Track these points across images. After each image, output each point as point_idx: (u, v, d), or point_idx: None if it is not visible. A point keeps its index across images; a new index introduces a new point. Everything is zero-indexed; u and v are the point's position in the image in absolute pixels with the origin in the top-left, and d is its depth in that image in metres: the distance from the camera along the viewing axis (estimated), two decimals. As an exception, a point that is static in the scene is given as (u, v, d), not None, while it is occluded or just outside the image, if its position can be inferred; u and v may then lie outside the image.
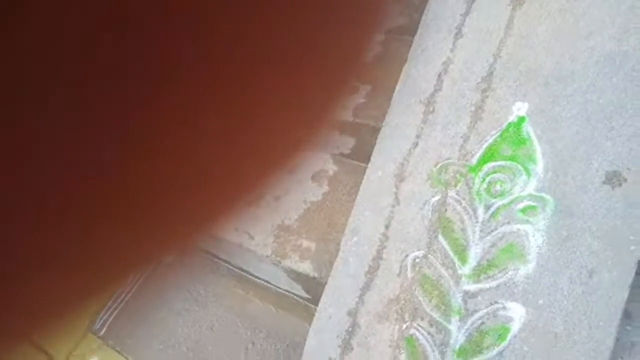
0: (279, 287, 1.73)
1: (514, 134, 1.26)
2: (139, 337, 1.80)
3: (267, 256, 1.58)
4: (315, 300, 1.42)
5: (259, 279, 1.78)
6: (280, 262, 1.56)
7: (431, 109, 1.39)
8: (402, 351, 1.24)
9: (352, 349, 1.30)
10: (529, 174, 1.21)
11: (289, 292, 1.70)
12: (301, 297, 1.68)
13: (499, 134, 1.28)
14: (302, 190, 1.66)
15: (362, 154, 1.56)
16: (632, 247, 1.06)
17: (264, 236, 1.62)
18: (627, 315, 1.10)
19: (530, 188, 1.20)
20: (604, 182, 1.12)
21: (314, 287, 1.54)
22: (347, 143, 1.65)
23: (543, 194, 1.18)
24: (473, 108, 1.33)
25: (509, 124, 1.27)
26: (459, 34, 1.43)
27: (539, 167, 1.20)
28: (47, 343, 1.88)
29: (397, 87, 1.47)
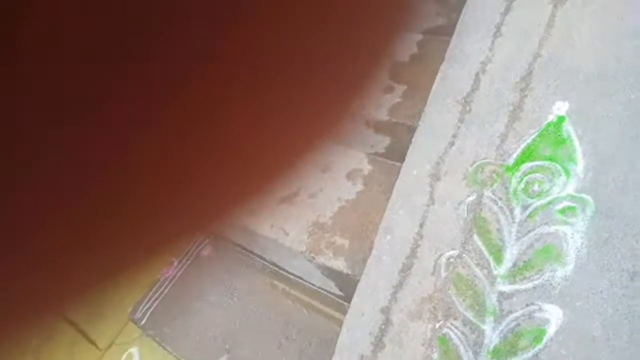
0: (312, 284, 1.75)
1: (553, 133, 1.24)
2: (177, 327, 1.86)
3: (302, 252, 1.61)
4: (348, 298, 1.44)
5: (293, 275, 1.81)
6: (314, 259, 1.59)
7: (468, 108, 1.39)
8: (435, 350, 1.24)
9: (384, 346, 1.31)
10: (568, 174, 1.19)
11: (322, 288, 1.73)
12: (334, 294, 1.70)
13: (537, 133, 1.26)
14: (336, 188, 1.68)
15: (397, 153, 1.57)
16: (678, 251, 1.03)
17: (298, 233, 1.65)
18: (671, 321, 1.06)
19: (570, 189, 1.18)
20: (648, 184, 1.09)
21: (347, 285, 1.56)
22: (382, 142, 1.66)
23: (583, 195, 1.16)
24: (511, 107, 1.32)
25: (549, 123, 1.25)
26: (498, 32, 1.42)
27: (579, 167, 1.18)
28: (91, 330, 1.97)
29: (434, 87, 1.47)
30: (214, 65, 0.22)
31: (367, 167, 1.70)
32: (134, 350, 1.92)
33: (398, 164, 1.50)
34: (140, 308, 1.95)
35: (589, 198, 1.16)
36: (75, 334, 1.95)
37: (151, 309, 1.94)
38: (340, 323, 1.41)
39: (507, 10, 1.42)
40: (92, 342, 1.96)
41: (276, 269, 1.86)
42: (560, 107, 1.25)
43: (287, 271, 1.83)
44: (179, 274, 2.00)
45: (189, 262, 2.02)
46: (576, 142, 1.21)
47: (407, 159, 1.44)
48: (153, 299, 1.97)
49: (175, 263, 2.04)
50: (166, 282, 1.99)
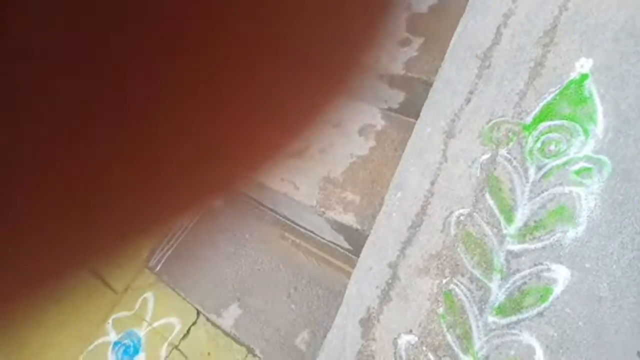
0: (322, 237, 1.78)
1: (574, 91, 1.20)
2: (190, 275, 1.92)
3: (312, 207, 1.62)
4: (357, 252, 1.46)
5: (303, 228, 1.83)
6: (324, 213, 1.60)
7: (487, 63, 1.34)
8: (440, 305, 1.27)
9: (390, 299, 1.34)
10: (587, 134, 1.16)
11: (332, 242, 1.75)
12: (343, 248, 1.73)
13: (558, 91, 1.22)
14: (348, 143, 1.67)
15: (412, 109, 1.53)
16: (694, 215, 1.01)
17: (309, 187, 1.65)
18: (679, 284, 1.06)
19: (588, 149, 1.16)
20: (669, 146, 1.06)
21: (356, 239, 1.58)
22: (397, 97, 1.62)
23: (601, 156, 1.14)
24: (532, 64, 1.27)
25: (571, 81, 1.21)
26: (523, -17, 1.34)
27: (599, 127, 1.15)
28: (108, 275, 2.05)
29: (453, 40, 1.41)
30: (218, 23, 0.21)
31: (380, 123, 1.67)
32: (149, 295, 2.00)
33: (412, 120, 1.48)
34: (155, 255, 2.01)
35: (606, 159, 1.13)
36: (93, 278, 2.03)
37: (165, 257, 2.00)
38: (348, 275, 1.44)
39: (535, -42, 1.34)
40: (110, 286, 2.04)
41: (287, 221, 1.89)
42: (584, 64, 1.20)
43: (297, 224, 1.85)
44: (191, 224, 2.04)
45: (200, 213, 2.06)
46: (597, 101, 1.17)
47: (421, 115, 1.41)
48: (167, 247, 2.03)
49: (187, 213, 2.08)
50: (179, 232, 2.04)
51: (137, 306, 1.99)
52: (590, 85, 1.19)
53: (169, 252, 2.01)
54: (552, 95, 1.23)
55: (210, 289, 1.85)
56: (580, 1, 1.25)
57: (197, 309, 1.86)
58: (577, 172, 1.16)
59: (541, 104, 1.23)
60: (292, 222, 1.87)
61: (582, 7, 1.24)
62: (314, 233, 1.80)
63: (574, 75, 1.21)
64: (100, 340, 1.95)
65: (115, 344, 1.93)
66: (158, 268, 1.98)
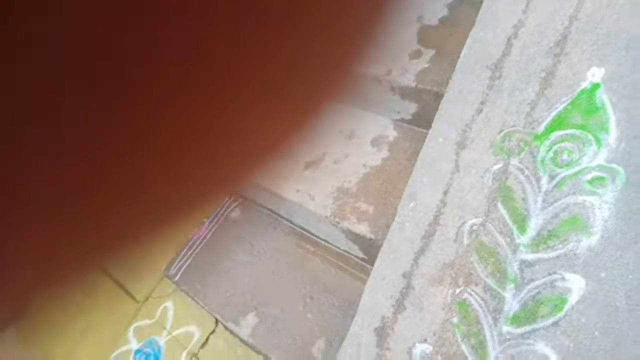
0: (337, 247, 1.80)
1: (586, 101, 1.20)
2: (208, 284, 1.96)
3: (327, 217, 1.64)
4: (372, 261, 1.48)
5: (318, 237, 1.85)
6: (338, 223, 1.62)
7: (498, 74, 1.35)
8: (454, 314, 1.27)
9: (405, 308, 1.35)
10: (599, 143, 1.16)
11: (347, 252, 1.77)
12: (358, 257, 1.74)
13: (569, 101, 1.22)
14: (361, 154, 1.69)
15: (424, 120, 1.55)
16: None
17: (323, 198, 1.68)
18: (697, 294, 1.05)
19: (601, 159, 1.16)
20: (683, 155, 1.05)
21: (371, 249, 1.60)
22: (409, 108, 1.64)
23: (614, 165, 1.13)
24: (543, 74, 1.28)
25: (582, 90, 1.21)
26: (533, -6, 1.35)
27: (612, 136, 1.15)
28: (130, 285, 2.10)
29: (463, 52, 1.43)
30: (227, 26, 0.23)
31: (392, 134, 1.69)
32: (169, 304, 2.04)
33: (424, 130, 1.49)
34: (174, 265, 2.06)
35: (619, 168, 1.13)
36: (116, 287, 2.09)
37: (184, 266, 2.04)
38: (364, 284, 1.46)
39: (545, -31, 1.35)
40: (131, 296, 2.09)
41: (302, 232, 1.91)
42: (596, 74, 1.20)
43: (312, 234, 1.88)
44: (209, 234, 2.09)
45: (218, 223, 2.10)
46: (610, 110, 1.17)
47: (433, 126, 1.43)
48: (186, 257, 2.07)
49: (206, 224, 2.13)
50: (198, 242, 2.08)
51: (157, 315, 2.03)
52: (602, 95, 1.19)
53: (188, 261, 2.05)
54: (563, 105, 1.23)
55: (228, 298, 1.88)
56: (591, 11, 1.25)
57: (215, 318, 1.89)
58: (591, 182, 1.16)
59: (553, 114, 1.24)
60: (308, 231, 1.89)
61: (593, 17, 1.25)
62: (329, 242, 1.82)
63: (585, 84, 1.21)
64: (122, 349, 1.99)
65: (137, 352, 1.97)
66: (177, 277, 2.02)
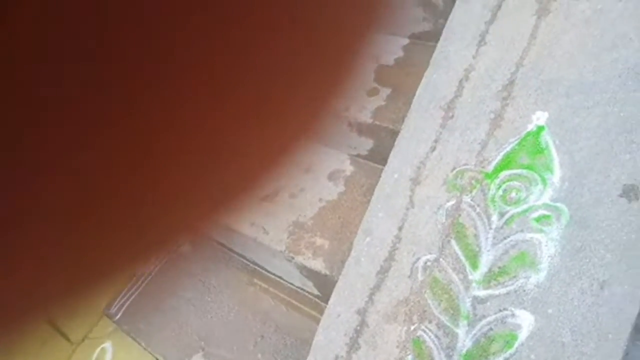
0: (290, 283, 1.75)
1: (532, 142, 1.26)
2: (153, 323, 1.84)
3: (281, 252, 1.61)
4: (326, 298, 1.45)
5: (272, 273, 1.80)
6: (293, 258, 1.59)
7: (450, 114, 1.40)
8: (408, 352, 1.25)
9: (359, 347, 1.32)
10: (545, 183, 1.21)
11: (301, 288, 1.73)
12: (312, 294, 1.70)
13: (517, 142, 1.28)
14: (318, 188, 1.68)
15: (380, 156, 1.57)
16: (646, 262, 1.05)
17: (278, 232, 1.65)
18: (637, 329, 1.09)
19: (546, 197, 1.21)
20: (620, 195, 1.12)
21: (325, 285, 1.57)
22: (365, 144, 1.66)
23: (558, 204, 1.19)
24: (492, 115, 1.34)
25: (528, 132, 1.27)
26: (482, 41, 1.44)
27: (556, 177, 1.20)
28: (64, 324, 1.93)
29: (418, 92, 1.48)
30: (184, 63, 0.22)
31: (349, 169, 1.70)
32: (107, 345, 1.90)
33: (380, 166, 1.51)
34: (115, 303, 1.93)
35: (564, 207, 1.18)
36: (48, 328, 1.92)
37: (126, 305, 1.92)
38: (317, 322, 1.42)
39: (492, 19, 1.44)
40: (65, 336, 1.93)
41: (255, 267, 1.86)
42: (540, 117, 1.27)
43: (266, 270, 1.82)
44: (155, 270, 1.98)
45: (166, 258, 2.00)
46: (554, 152, 1.23)
47: (388, 162, 1.45)
48: (129, 294, 1.95)
49: (152, 259, 2.02)
50: (142, 278, 1.97)
51: (94, 358, 1.88)
52: (546, 137, 1.25)
53: (131, 299, 1.93)
54: (511, 145, 1.29)
55: (174, 339, 1.77)
56: (534, 58, 1.34)
57: (158, 360, 1.77)
58: (537, 219, 1.20)
59: (502, 154, 1.29)
60: (261, 267, 1.84)
61: (537, 64, 1.33)
62: (283, 279, 1.77)
63: (531, 127, 1.28)
64: (51, 396, 1.82)
65: (68, 399, 1.80)
66: (118, 317, 1.89)
